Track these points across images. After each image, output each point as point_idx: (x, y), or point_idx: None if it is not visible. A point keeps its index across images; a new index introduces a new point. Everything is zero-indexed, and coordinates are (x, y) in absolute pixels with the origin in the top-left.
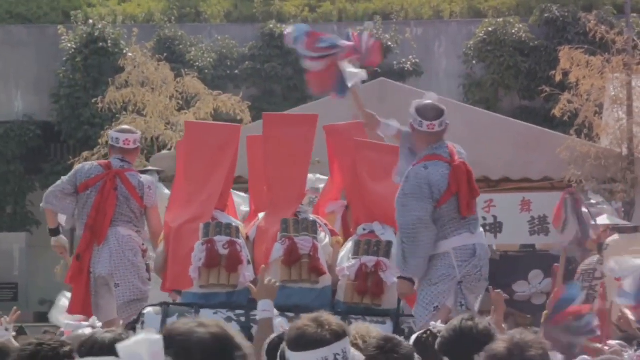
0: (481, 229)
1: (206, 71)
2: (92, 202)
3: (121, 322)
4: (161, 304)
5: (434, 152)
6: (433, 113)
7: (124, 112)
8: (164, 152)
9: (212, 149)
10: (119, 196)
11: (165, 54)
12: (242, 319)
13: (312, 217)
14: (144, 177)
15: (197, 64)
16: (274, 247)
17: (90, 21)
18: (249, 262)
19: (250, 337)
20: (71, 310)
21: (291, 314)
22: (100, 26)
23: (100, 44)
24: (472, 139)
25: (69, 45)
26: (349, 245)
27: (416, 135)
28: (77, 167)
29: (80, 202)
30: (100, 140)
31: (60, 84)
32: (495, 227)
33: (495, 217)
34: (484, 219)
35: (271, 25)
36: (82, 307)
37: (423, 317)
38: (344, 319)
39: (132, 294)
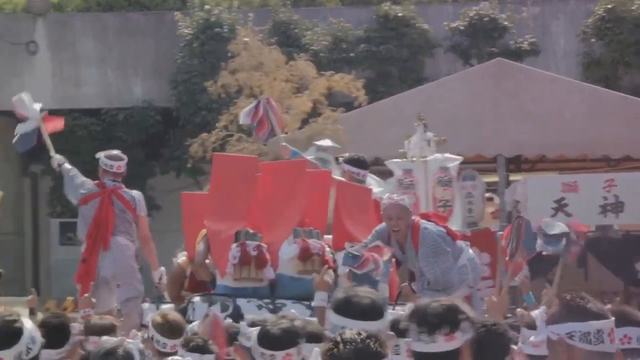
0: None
1: (321, 55)
2: (91, 215)
3: (119, 312)
4: (205, 294)
5: (414, 220)
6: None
7: (242, 97)
8: (281, 135)
9: (237, 179)
10: (116, 210)
11: (278, 38)
12: (270, 306)
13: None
14: (134, 192)
15: (313, 47)
16: (289, 247)
17: (207, 7)
18: (270, 265)
19: None
20: (80, 305)
21: (307, 302)
22: (216, 12)
23: (217, 29)
24: (592, 118)
25: (186, 31)
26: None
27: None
28: (85, 180)
29: (82, 214)
30: (217, 125)
31: (178, 70)
32: (616, 207)
33: (616, 197)
34: (605, 198)
35: (386, 7)
36: (90, 302)
37: None
38: None
39: (131, 293)
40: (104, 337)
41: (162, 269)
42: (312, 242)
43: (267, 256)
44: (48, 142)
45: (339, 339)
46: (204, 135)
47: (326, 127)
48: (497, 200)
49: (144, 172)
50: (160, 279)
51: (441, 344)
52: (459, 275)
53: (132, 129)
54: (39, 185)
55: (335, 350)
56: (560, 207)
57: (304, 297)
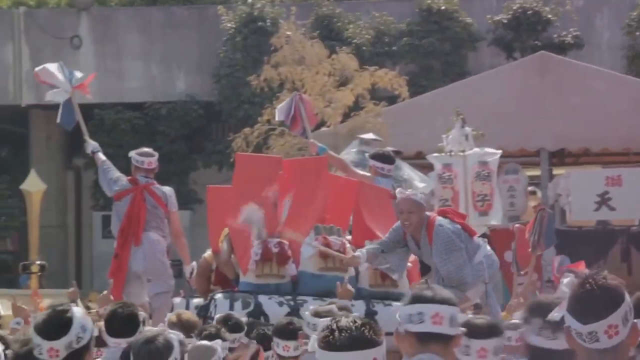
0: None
1: (364, 48)
2: (124, 211)
3: (150, 307)
4: (227, 291)
5: (428, 216)
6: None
7: (284, 91)
8: (323, 129)
9: (259, 178)
10: (147, 206)
11: (320, 32)
12: (291, 302)
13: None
14: (166, 188)
15: (355, 41)
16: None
17: (250, 0)
18: (292, 261)
19: (298, 317)
20: (113, 296)
21: (327, 299)
22: (259, 5)
23: (259, 23)
24: (636, 111)
25: (229, 25)
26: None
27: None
28: (120, 176)
29: (115, 210)
30: (260, 119)
31: (220, 64)
32: None
33: None
34: None
35: (429, 1)
36: (122, 295)
37: None
38: (367, 302)
39: (161, 287)
40: (146, 327)
41: (194, 263)
42: (333, 239)
43: (289, 253)
44: (82, 124)
45: (334, 326)
46: (247, 129)
47: (368, 121)
48: (539, 194)
49: (187, 166)
50: (191, 273)
51: (562, 342)
52: (475, 272)
53: (174, 122)
54: (82, 179)
55: (331, 337)
56: (603, 201)
57: (324, 293)
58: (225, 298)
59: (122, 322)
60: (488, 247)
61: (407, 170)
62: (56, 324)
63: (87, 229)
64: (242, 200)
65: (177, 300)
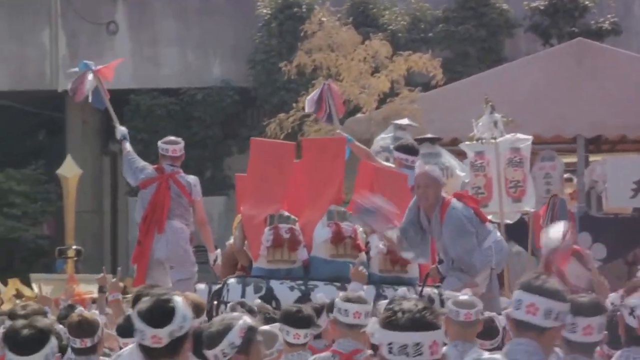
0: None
1: (399, 35)
2: (148, 199)
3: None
4: (239, 276)
5: (444, 197)
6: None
7: (319, 77)
8: (359, 115)
9: (273, 164)
10: (172, 194)
11: (356, 18)
12: (302, 287)
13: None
14: (190, 177)
15: (390, 27)
16: (323, 230)
17: None
18: (304, 246)
19: (309, 301)
20: (136, 284)
21: (338, 284)
22: None
23: (295, 9)
24: None
25: (264, 11)
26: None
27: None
28: (145, 165)
29: (141, 197)
30: (295, 105)
31: (256, 50)
32: None
33: None
34: None
35: None
36: (144, 281)
37: (453, 285)
38: (378, 287)
39: (184, 274)
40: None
41: (218, 251)
42: (345, 226)
43: (300, 238)
44: (111, 110)
45: (397, 308)
46: (282, 115)
47: (404, 107)
48: (575, 181)
49: (222, 151)
50: (215, 261)
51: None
52: (483, 257)
53: (210, 108)
54: (118, 164)
55: (394, 318)
56: None
57: (336, 279)
58: (238, 283)
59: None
60: (498, 234)
61: (447, 158)
62: (160, 313)
63: (123, 214)
64: (255, 185)
65: (201, 286)
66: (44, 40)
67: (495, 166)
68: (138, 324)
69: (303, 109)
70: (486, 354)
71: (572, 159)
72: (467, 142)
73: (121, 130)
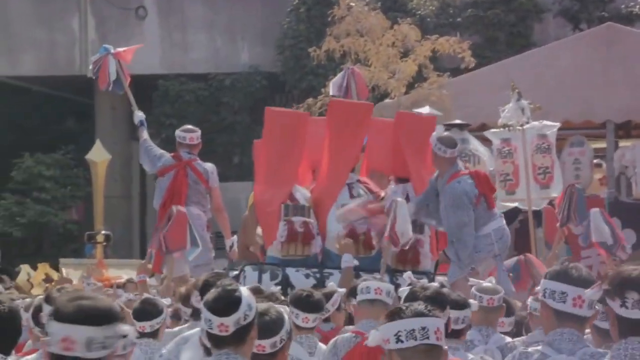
0: (502, 214)
1: (428, 19)
2: (166, 186)
3: (191, 278)
4: (257, 263)
5: (456, 171)
6: (453, 143)
7: (348, 62)
8: (387, 100)
9: (286, 133)
10: (189, 181)
11: (384, 3)
12: (317, 275)
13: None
14: (208, 164)
15: (419, 12)
16: (337, 225)
17: None
18: (318, 234)
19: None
20: (154, 269)
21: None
22: None
23: None
24: None
25: None
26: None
27: (440, 160)
28: (163, 153)
29: (159, 185)
30: (323, 90)
31: (284, 35)
32: None
33: None
34: None
35: None
36: (146, 269)
37: (456, 275)
38: (392, 276)
39: (201, 260)
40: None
41: (234, 237)
42: (359, 224)
43: (314, 232)
44: (130, 94)
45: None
46: (310, 100)
47: (431, 93)
48: (605, 166)
49: (250, 136)
50: (231, 247)
51: None
52: (482, 245)
53: (238, 94)
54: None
55: (399, 310)
56: None
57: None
58: (254, 270)
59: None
60: (502, 222)
61: (475, 145)
62: (226, 302)
63: (152, 199)
64: (271, 155)
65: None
66: (73, 26)
67: (522, 153)
68: (205, 313)
69: (329, 93)
70: (518, 343)
71: (601, 144)
72: (493, 130)
73: (139, 115)
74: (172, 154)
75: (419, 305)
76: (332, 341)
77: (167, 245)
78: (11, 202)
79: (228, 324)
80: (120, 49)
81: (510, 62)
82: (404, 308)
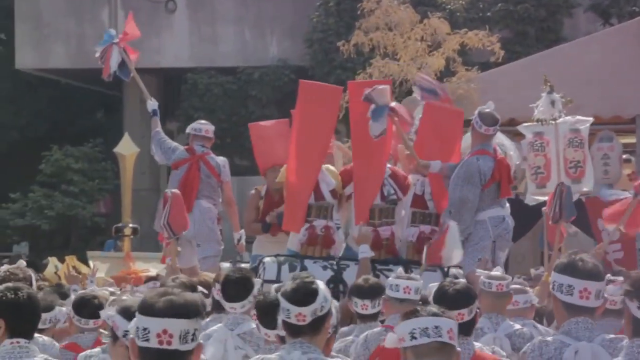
0: (507, 205)
1: (457, 14)
2: (179, 179)
3: (199, 270)
4: (275, 255)
5: (483, 148)
6: (492, 120)
7: (376, 56)
8: (415, 95)
9: (320, 106)
10: (202, 175)
11: None
12: (335, 267)
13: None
14: (220, 158)
15: (449, 6)
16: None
17: None
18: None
19: (341, 280)
20: (164, 260)
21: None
22: None
23: None
24: None
25: None
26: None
27: (474, 133)
28: (177, 145)
29: (172, 178)
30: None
31: (313, 29)
32: None
33: None
34: None
35: None
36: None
37: (470, 266)
38: (407, 268)
39: (209, 252)
40: None
41: (242, 231)
42: (383, 230)
43: (335, 237)
44: (139, 82)
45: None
46: None
47: (460, 87)
48: (634, 161)
49: None
50: (239, 240)
51: None
52: (482, 231)
53: (266, 87)
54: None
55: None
56: None
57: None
58: (273, 262)
59: (234, 288)
60: (504, 212)
61: (502, 138)
62: (304, 293)
63: None
64: (303, 128)
65: (225, 265)
66: (103, 18)
67: (555, 147)
68: (284, 303)
69: None
70: (526, 330)
71: (631, 139)
72: (525, 124)
73: (151, 104)
74: (185, 147)
75: (433, 307)
76: (362, 336)
77: (173, 230)
78: (40, 195)
79: (306, 313)
80: (121, 35)
81: (539, 57)
82: (419, 309)
